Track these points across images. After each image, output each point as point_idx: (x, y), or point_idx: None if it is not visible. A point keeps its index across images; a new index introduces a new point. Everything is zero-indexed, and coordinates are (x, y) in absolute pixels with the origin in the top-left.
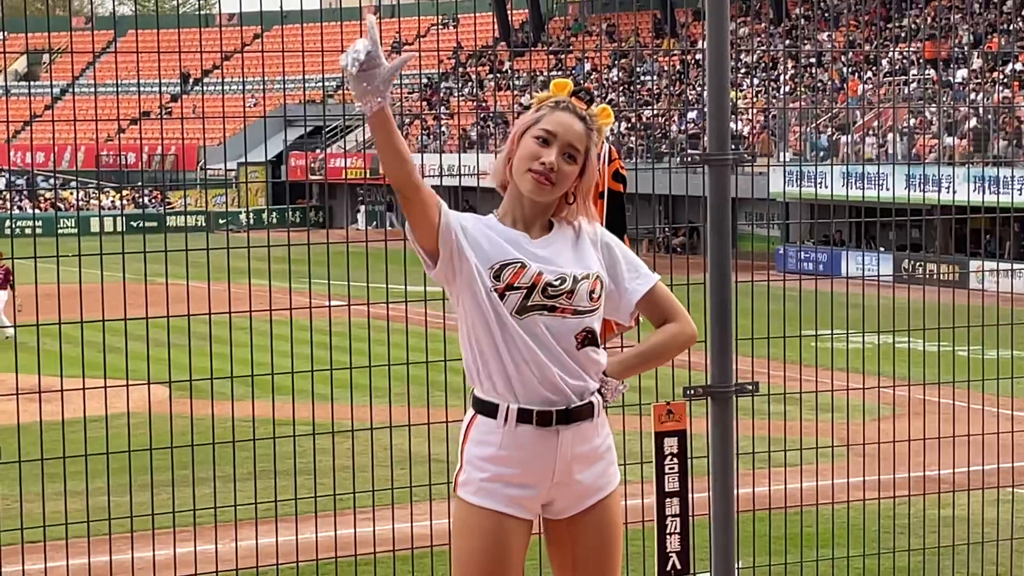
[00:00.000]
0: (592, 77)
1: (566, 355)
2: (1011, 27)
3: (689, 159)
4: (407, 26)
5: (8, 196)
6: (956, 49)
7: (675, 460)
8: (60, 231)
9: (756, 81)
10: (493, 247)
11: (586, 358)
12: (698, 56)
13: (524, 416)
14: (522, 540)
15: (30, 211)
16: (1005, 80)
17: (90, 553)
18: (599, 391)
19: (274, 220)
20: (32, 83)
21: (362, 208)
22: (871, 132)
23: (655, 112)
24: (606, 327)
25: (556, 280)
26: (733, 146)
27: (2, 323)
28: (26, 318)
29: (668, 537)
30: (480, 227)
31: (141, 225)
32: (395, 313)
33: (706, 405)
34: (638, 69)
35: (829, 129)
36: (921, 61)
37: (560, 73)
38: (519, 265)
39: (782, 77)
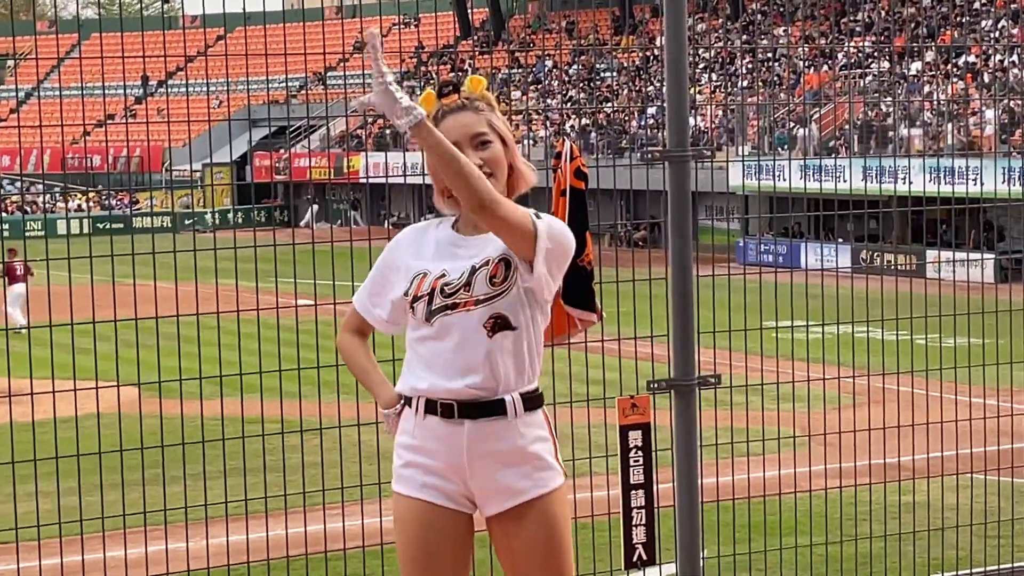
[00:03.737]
0: (552, 74)
1: (479, 348)
2: (963, 20)
3: (649, 155)
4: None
5: None
6: (911, 43)
7: (640, 453)
8: (27, 234)
9: (714, 77)
10: (406, 266)
11: (500, 347)
12: (656, 52)
13: (431, 407)
14: (450, 528)
15: None
16: (959, 72)
17: (62, 553)
18: None
19: (240, 220)
20: None
21: (311, 209)
22: (825, 126)
23: (615, 108)
24: (569, 323)
25: (454, 278)
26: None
27: (17, 320)
28: None
29: (634, 529)
30: (411, 243)
31: (108, 227)
32: None
33: (669, 398)
34: (598, 65)
35: (788, 123)
36: (875, 54)
37: (521, 71)
38: (421, 275)
39: (740, 72)
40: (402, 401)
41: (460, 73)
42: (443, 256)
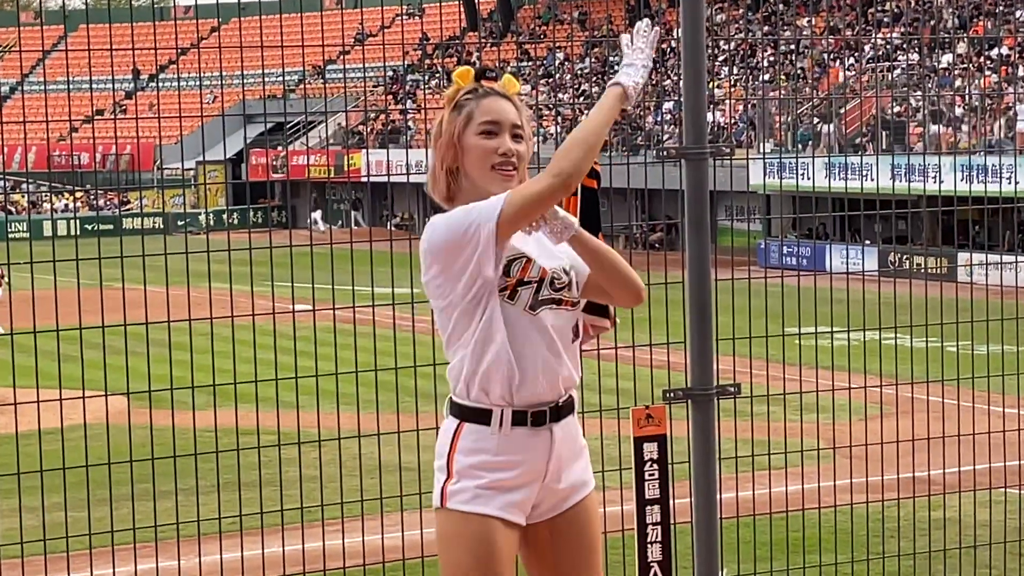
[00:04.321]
0: (564, 67)
1: (566, 349)
2: (997, 10)
3: (665, 153)
4: (371, 16)
5: None
6: (941, 34)
7: (655, 466)
8: (11, 235)
9: (735, 70)
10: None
11: (576, 351)
12: (673, 43)
13: (519, 419)
14: (513, 546)
15: None
16: (992, 65)
17: (47, 571)
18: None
19: (235, 221)
20: None
21: (317, 214)
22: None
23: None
24: (582, 329)
25: (560, 273)
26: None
27: None
28: None
29: (649, 546)
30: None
31: (96, 228)
32: (362, 316)
33: (686, 408)
34: (611, 58)
35: (813, 119)
36: (903, 46)
37: (531, 64)
38: (525, 259)
39: (761, 65)
40: (457, 423)
41: (467, 66)
42: (517, 245)
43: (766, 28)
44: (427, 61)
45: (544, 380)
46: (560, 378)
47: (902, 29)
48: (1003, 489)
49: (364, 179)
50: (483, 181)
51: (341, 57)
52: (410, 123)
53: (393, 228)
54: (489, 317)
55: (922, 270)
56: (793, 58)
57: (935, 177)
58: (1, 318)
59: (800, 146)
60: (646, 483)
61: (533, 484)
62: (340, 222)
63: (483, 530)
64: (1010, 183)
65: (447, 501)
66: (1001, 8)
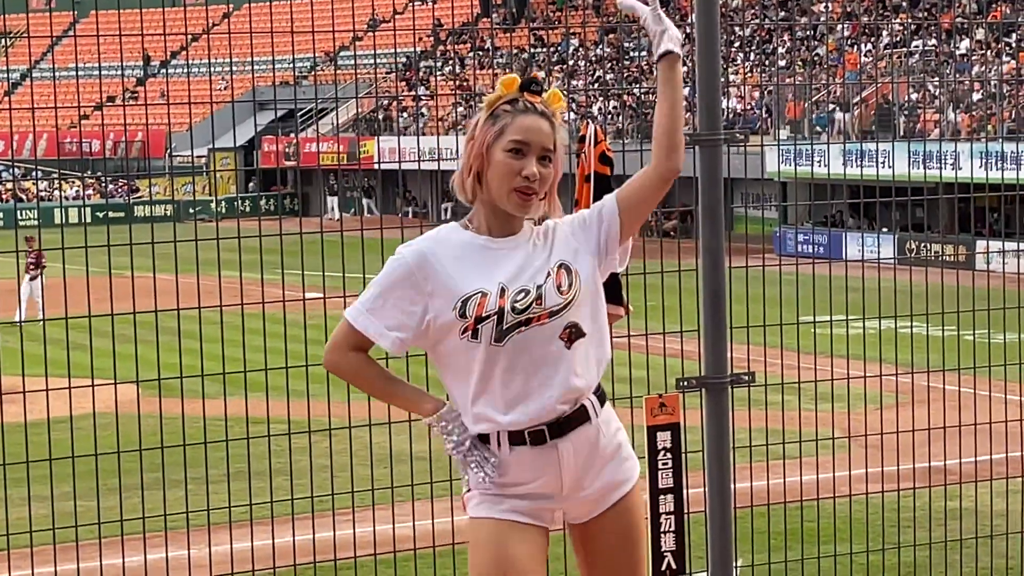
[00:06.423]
0: (578, 54)
1: (559, 360)
2: None
3: None
4: (382, 2)
5: None
6: (960, 19)
7: (668, 455)
8: (21, 223)
9: (751, 56)
10: (452, 280)
11: (577, 356)
12: (687, 29)
13: (516, 438)
14: (535, 547)
15: None
16: (1011, 51)
17: (56, 561)
18: None
19: (246, 208)
20: None
21: (334, 200)
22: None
23: (644, 90)
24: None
25: (519, 295)
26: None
27: (21, 313)
28: None
29: (662, 536)
30: (439, 259)
31: (106, 216)
32: None
33: (700, 397)
34: (626, 44)
35: (829, 106)
36: (920, 32)
37: (545, 51)
38: (480, 295)
39: (777, 51)
40: (456, 412)
41: (481, 52)
42: (489, 270)
43: (782, 13)
44: (440, 47)
45: (533, 403)
46: (554, 397)
47: (919, 14)
48: (1020, 479)
49: (376, 166)
50: (501, 199)
51: (353, 44)
52: (423, 110)
53: (410, 214)
54: (454, 354)
55: (939, 258)
56: (809, 44)
57: (953, 164)
58: (30, 306)
59: (817, 131)
60: (659, 472)
61: (551, 496)
62: (352, 210)
63: (497, 532)
64: None
65: (467, 509)
66: None
